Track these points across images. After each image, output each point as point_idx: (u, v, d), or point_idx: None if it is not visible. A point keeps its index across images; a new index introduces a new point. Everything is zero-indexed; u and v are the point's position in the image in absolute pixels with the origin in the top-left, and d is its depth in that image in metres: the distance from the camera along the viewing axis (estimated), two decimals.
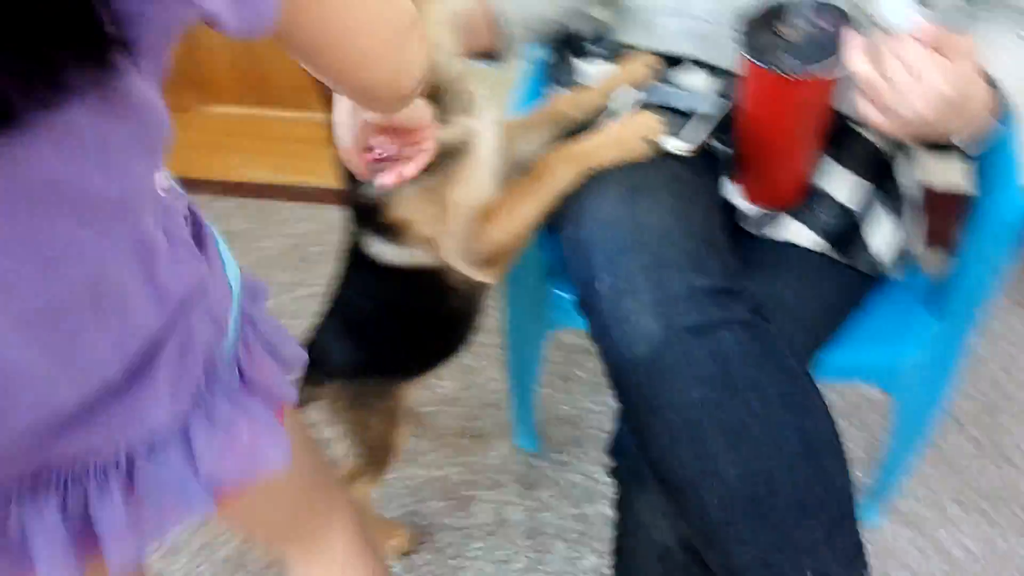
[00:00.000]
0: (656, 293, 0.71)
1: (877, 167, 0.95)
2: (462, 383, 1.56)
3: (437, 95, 0.82)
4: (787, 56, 0.78)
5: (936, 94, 0.72)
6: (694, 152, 0.85)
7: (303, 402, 1.18)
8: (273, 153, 2.01)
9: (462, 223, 0.85)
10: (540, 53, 1.14)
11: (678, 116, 0.90)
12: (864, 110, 0.77)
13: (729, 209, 0.92)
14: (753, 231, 0.92)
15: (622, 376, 0.73)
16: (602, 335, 0.73)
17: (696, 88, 0.96)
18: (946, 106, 0.73)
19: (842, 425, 0.74)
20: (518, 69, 1.17)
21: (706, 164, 0.91)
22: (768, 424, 0.71)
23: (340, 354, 1.07)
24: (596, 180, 0.81)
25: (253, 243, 1.86)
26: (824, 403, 0.75)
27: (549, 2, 1.01)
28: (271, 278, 1.76)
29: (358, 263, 0.94)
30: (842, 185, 0.93)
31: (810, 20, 0.81)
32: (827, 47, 0.78)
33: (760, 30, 0.81)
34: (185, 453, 0.53)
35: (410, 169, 0.76)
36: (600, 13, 1.12)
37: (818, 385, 0.76)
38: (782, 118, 0.83)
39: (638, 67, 0.97)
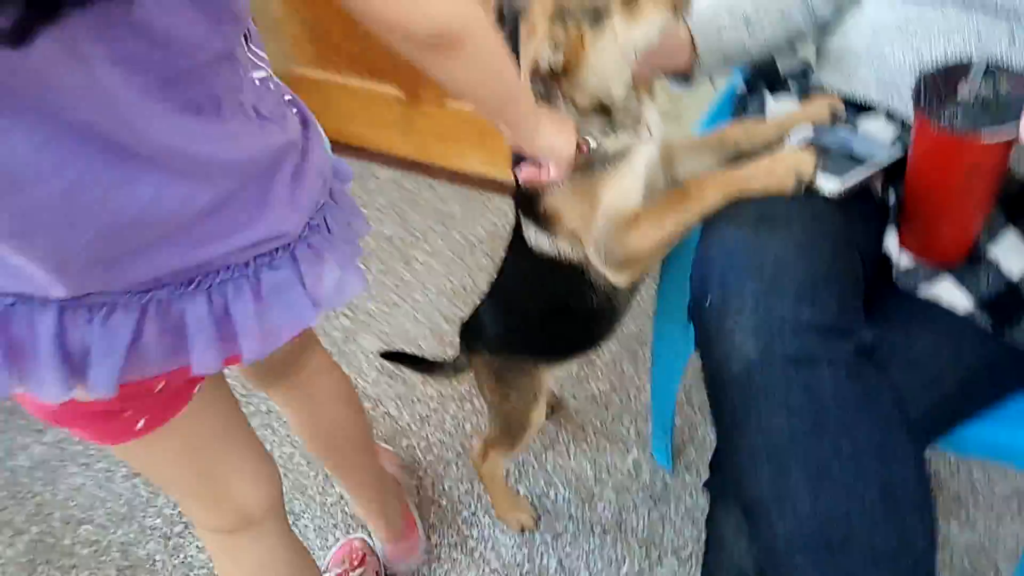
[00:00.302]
0: (760, 316, 0.74)
1: None
2: (615, 386, 1.62)
3: (607, 109, 0.90)
4: (961, 116, 0.78)
5: None
6: (843, 195, 0.86)
7: (460, 366, 1.32)
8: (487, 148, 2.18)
9: (606, 225, 0.92)
10: (737, 80, 1.18)
11: (843, 159, 0.92)
12: None
13: (884, 262, 0.91)
14: (906, 288, 0.91)
15: (718, 391, 0.77)
16: (705, 349, 0.78)
17: (875, 135, 0.96)
18: None
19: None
20: (710, 92, 1.22)
21: (864, 211, 0.91)
22: (853, 468, 0.72)
23: (491, 328, 1.19)
24: (733, 206, 0.85)
25: (466, 228, 2.03)
26: (921, 461, 0.74)
27: (750, 36, 1.05)
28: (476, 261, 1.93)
29: (518, 248, 1.04)
30: (1014, 255, 0.90)
31: (991, 83, 0.80)
32: (1004, 112, 0.77)
33: (937, 86, 0.81)
34: (295, 271, 0.70)
35: (546, 173, 0.85)
36: (806, 51, 1.15)
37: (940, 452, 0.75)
38: (948, 177, 0.82)
39: (820, 108, 0.99)
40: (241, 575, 0.96)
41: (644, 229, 0.91)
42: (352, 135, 2.20)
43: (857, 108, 1.00)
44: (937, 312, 0.89)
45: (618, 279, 0.97)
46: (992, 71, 0.80)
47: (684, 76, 1.07)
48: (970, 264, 0.90)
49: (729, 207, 0.86)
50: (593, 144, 0.89)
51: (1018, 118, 0.75)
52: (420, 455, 1.55)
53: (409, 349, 1.72)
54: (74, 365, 0.64)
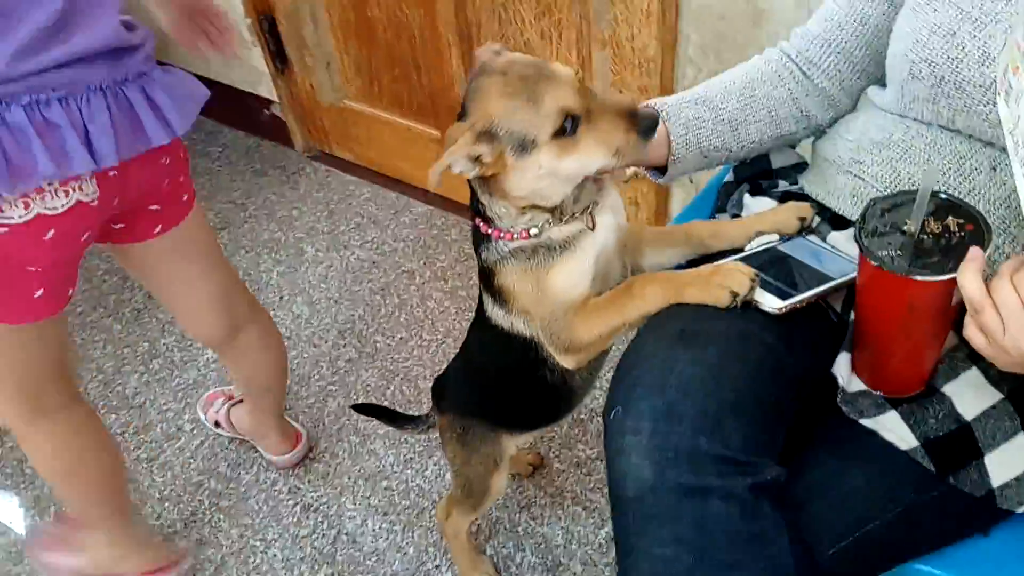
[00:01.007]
0: (657, 440, 0.71)
1: None
2: (601, 455, 1.60)
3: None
4: (899, 252, 0.74)
5: None
6: (780, 312, 0.83)
7: (431, 423, 1.33)
8: None
9: (553, 310, 0.91)
10: (726, 170, 1.15)
11: (794, 274, 0.88)
12: (969, 331, 0.70)
13: (834, 383, 0.88)
14: (850, 413, 0.87)
15: (616, 507, 0.75)
16: (608, 461, 0.76)
17: (843, 248, 0.93)
18: None
19: None
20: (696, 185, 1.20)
21: (817, 329, 0.87)
22: None
23: (455, 390, 1.19)
24: (667, 312, 0.83)
25: None
26: None
27: (735, 140, 1.03)
28: None
29: (480, 317, 1.04)
30: (968, 393, 0.84)
31: (943, 218, 0.76)
32: (947, 252, 0.73)
33: (884, 215, 0.77)
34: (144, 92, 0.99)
35: None
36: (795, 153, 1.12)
37: None
38: (887, 311, 0.78)
39: (788, 215, 0.96)
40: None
41: (589, 319, 0.90)
42: (393, 168, 2.25)
43: (833, 217, 0.97)
44: (878, 444, 0.84)
45: (566, 362, 0.96)
46: (946, 207, 0.77)
47: (662, 169, 1.05)
48: (921, 399, 0.85)
49: (663, 313, 0.84)
50: (534, 231, 0.88)
51: (959, 260, 0.71)
52: (396, 498, 1.56)
53: (407, 387, 1.74)
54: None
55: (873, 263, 0.74)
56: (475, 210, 0.93)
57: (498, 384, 1.10)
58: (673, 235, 1.00)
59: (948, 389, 0.86)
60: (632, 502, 0.73)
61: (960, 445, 0.84)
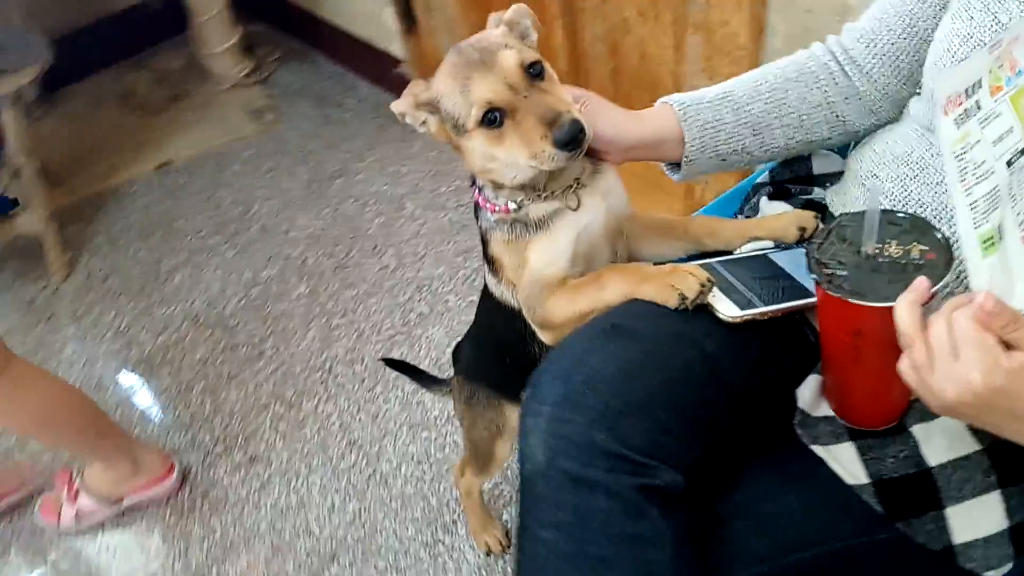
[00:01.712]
0: (554, 426, 0.71)
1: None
2: None
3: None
4: (848, 274, 0.70)
5: (965, 384, 0.60)
6: (735, 320, 0.79)
7: (451, 387, 1.37)
8: None
9: (530, 285, 0.93)
10: (763, 174, 1.10)
11: (770, 284, 0.84)
12: (902, 365, 0.66)
13: (792, 404, 0.83)
14: (803, 438, 0.82)
15: (520, 481, 0.77)
16: (519, 438, 0.77)
17: None
18: (979, 404, 0.60)
19: None
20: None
21: (770, 349, 0.83)
22: None
23: (465, 355, 1.23)
24: (612, 307, 0.82)
25: None
26: None
27: (759, 145, 0.97)
28: None
29: (485, 285, 1.07)
30: (938, 438, 0.78)
31: (907, 243, 0.70)
32: (901, 278, 0.68)
33: (847, 236, 0.73)
34: None
35: None
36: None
37: None
38: (835, 335, 0.74)
39: (789, 224, 0.91)
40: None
41: (560, 300, 0.91)
42: None
43: None
44: (825, 475, 0.80)
45: (544, 337, 0.97)
46: (919, 230, 0.71)
47: (677, 164, 1.01)
48: (885, 435, 0.80)
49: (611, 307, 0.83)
50: (512, 206, 0.89)
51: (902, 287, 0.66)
52: (432, 450, 1.63)
53: None
54: None
55: (817, 282, 0.70)
56: (472, 180, 0.96)
57: (495, 352, 1.13)
58: (673, 228, 0.97)
59: (917, 430, 0.79)
60: (527, 481, 0.74)
61: (917, 491, 0.78)
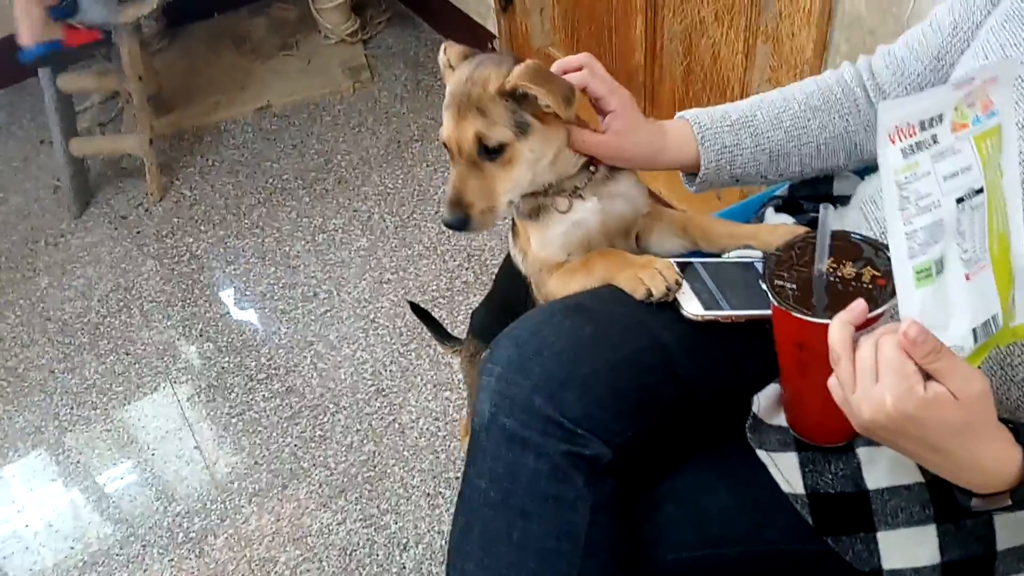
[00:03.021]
0: (501, 385, 0.76)
1: None
2: None
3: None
4: (794, 288, 0.72)
5: (879, 406, 0.62)
6: (696, 319, 0.82)
7: (458, 343, 1.44)
8: None
9: (533, 263, 0.98)
10: (781, 188, 1.11)
11: (743, 291, 0.87)
12: (830, 381, 0.68)
13: (745, 408, 0.86)
14: (751, 441, 0.85)
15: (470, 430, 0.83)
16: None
17: None
18: (892, 427, 0.62)
19: None
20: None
21: (732, 351, 0.86)
22: (513, 557, 0.74)
23: (478, 313, 1.30)
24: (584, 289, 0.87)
25: None
26: None
27: (775, 170, 0.98)
28: None
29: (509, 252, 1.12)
30: (883, 463, 0.79)
31: (861, 266, 0.72)
32: (847, 299, 0.70)
33: (803, 251, 0.75)
34: None
35: None
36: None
37: None
38: (782, 346, 0.76)
39: (780, 237, 0.92)
40: None
41: (558, 280, 0.96)
42: None
43: None
44: (764, 478, 0.83)
45: None
46: (882, 257, 0.73)
47: (694, 176, 1.03)
48: (830, 451, 0.82)
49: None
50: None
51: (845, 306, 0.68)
52: (451, 410, 1.71)
53: None
54: None
55: (767, 292, 0.73)
56: None
57: (502, 314, 1.17)
58: (674, 223, 1.00)
59: (863, 452, 0.81)
60: (474, 433, 0.80)
61: (851, 510, 0.80)
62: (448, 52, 0.91)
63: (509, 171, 0.86)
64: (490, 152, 0.85)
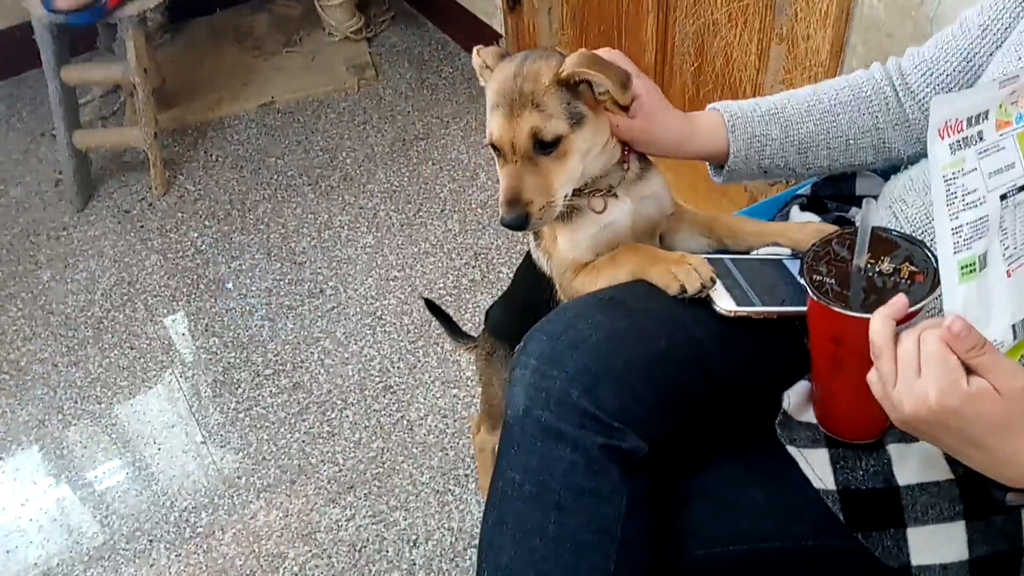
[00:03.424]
0: (536, 378, 0.77)
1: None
2: None
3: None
4: (832, 283, 0.73)
5: (921, 399, 0.62)
6: (729, 314, 0.82)
7: (472, 340, 1.44)
8: None
9: (559, 264, 0.98)
10: (805, 187, 1.12)
11: (775, 288, 0.87)
12: (870, 375, 0.68)
13: (775, 405, 0.86)
14: (781, 438, 0.85)
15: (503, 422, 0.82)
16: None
17: None
18: (933, 420, 0.63)
19: None
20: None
21: (763, 348, 0.86)
22: (548, 552, 0.74)
23: (495, 312, 1.30)
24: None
25: None
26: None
27: (802, 164, 0.99)
28: None
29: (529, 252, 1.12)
30: (913, 459, 0.80)
31: (899, 262, 0.73)
32: (886, 294, 0.70)
33: (842, 246, 0.76)
34: None
35: None
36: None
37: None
38: (817, 341, 0.77)
39: (809, 236, 0.93)
40: None
41: (584, 278, 0.95)
42: None
43: None
44: (795, 475, 0.83)
45: None
46: (917, 254, 0.73)
47: (721, 167, 1.02)
48: (861, 448, 0.82)
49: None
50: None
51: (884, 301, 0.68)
52: (459, 407, 1.71)
53: None
54: None
55: (805, 286, 0.73)
56: None
57: (522, 314, 1.17)
58: (700, 223, 1.00)
59: (893, 449, 0.82)
60: (507, 426, 0.80)
61: (882, 506, 0.81)
62: (482, 54, 0.91)
63: (564, 164, 0.85)
64: (545, 146, 0.84)
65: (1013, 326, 0.67)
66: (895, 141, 0.98)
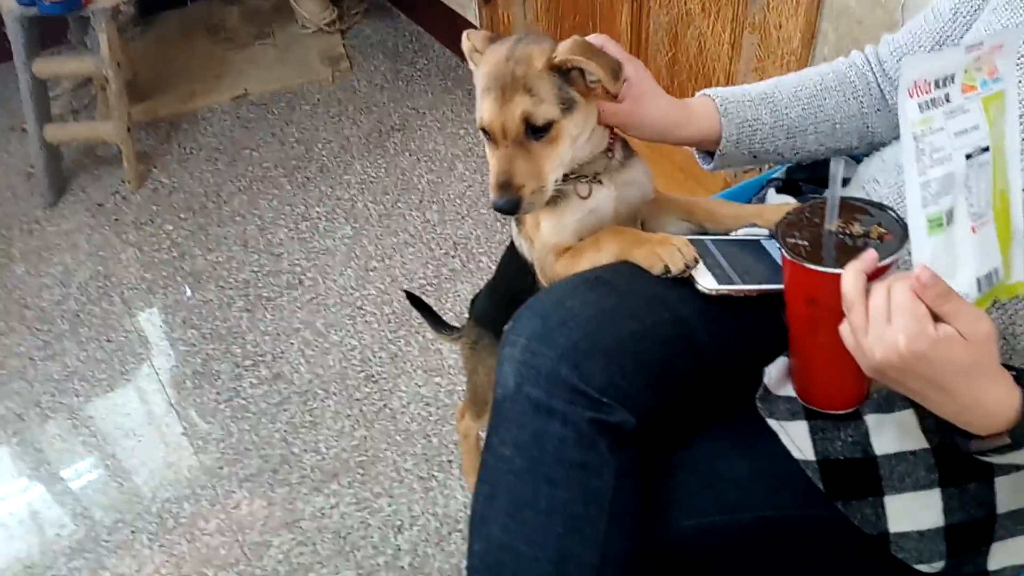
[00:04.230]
0: (527, 356, 0.78)
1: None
2: None
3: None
4: (806, 243, 0.75)
5: (891, 346, 0.65)
6: (711, 293, 0.85)
7: (455, 332, 1.46)
8: None
9: (541, 248, 0.99)
10: (779, 171, 1.15)
11: (754, 267, 0.90)
12: (842, 328, 0.71)
13: (756, 380, 0.89)
14: (762, 411, 0.88)
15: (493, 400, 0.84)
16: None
17: None
18: (902, 366, 0.65)
19: None
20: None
21: (745, 325, 0.89)
22: (540, 523, 0.76)
23: (480, 300, 1.31)
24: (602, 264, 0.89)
25: None
26: (616, 549, 0.76)
27: (791, 148, 1.01)
28: None
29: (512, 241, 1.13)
30: (891, 430, 0.83)
31: (868, 225, 0.75)
32: (855, 250, 0.73)
33: (812, 214, 0.78)
34: None
35: None
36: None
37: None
38: (792, 304, 0.79)
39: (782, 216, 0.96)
40: None
41: (566, 262, 0.97)
42: None
43: None
44: (776, 447, 0.86)
45: None
46: (888, 218, 0.76)
47: (710, 154, 1.04)
48: (839, 419, 0.85)
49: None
50: None
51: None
52: (442, 395, 1.72)
53: None
54: None
55: (780, 247, 0.76)
56: None
57: (506, 302, 1.19)
58: (680, 208, 1.03)
59: (871, 419, 0.84)
60: (497, 403, 0.82)
61: (860, 475, 0.83)
62: (472, 38, 0.92)
63: (555, 149, 0.86)
64: (536, 131, 0.84)
65: (978, 279, 0.70)
66: (878, 126, 1.01)
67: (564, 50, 0.84)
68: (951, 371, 0.65)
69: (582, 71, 0.86)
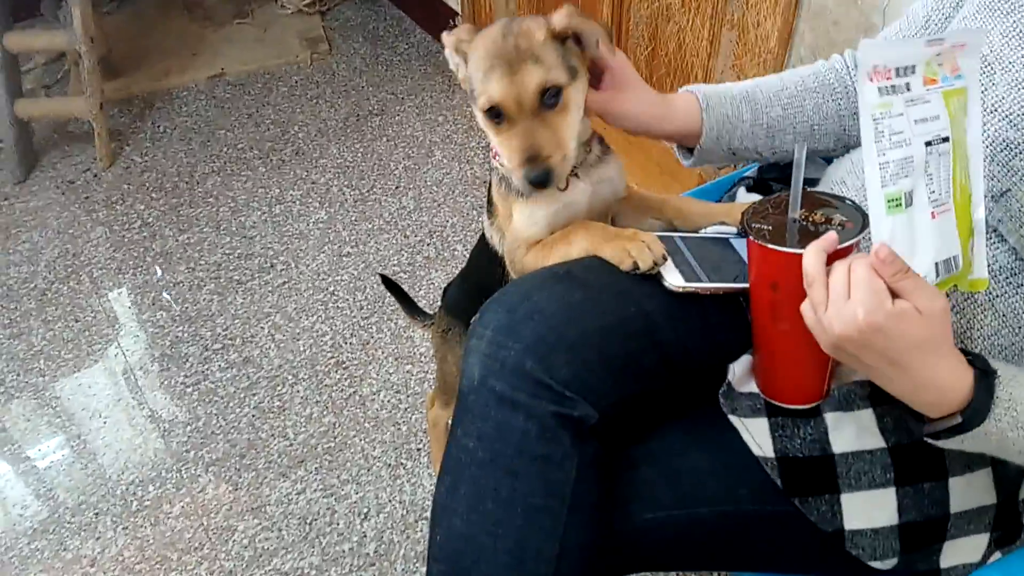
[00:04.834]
0: (492, 349, 0.79)
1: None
2: None
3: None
4: (770, 228, 0.76)
5: (850, 320, 0.67)
6: (677, 290, 0.85)
7: (428, 318, 1.45)
8: None
9: (512, 240, 1.00)
10: (751, 170, 1.16)
11: (721, 265, 0.90)
12: (803, 305, 0.72)
13: (720, 377, 0.90)
14: (724, 407, 0.89)
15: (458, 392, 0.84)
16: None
17: None
18: (860, 340, 0.67)
19: None
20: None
21: (711, 322, 0.90)
22: (500, 514, 0.76)
23: (452, 289, 1.31)
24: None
25: None
26: (575, 540, 0.77)
27: (770, 147, 1.02)
28: None
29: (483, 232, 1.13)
30: (849, 428, 0.84)
31: (830, 214, 0.77)
32: (817, 235, 0.74)
33: (776, 204, 0.79)
34: None
35: None
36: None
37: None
38: (757, 290, 0.79)
39: None
40: None
41: (536, 255, 0.97)
42: None
43: None
44: (736, 442, 0.87)
45: None
46: (849, 207, 0.77)
47: (690, 151, 1.04)
48: (799, 416, 0.86)
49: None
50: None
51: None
52: (412, 383, 1.72)
53: None
54: None
55: (744, 231, 0.77)
56: None
57: (476, 292, 1.19)
58: (651, 206, 1.03)
59: (830, 417, 0.85)
60: (462, 395, 0.82)
61: (817, 473, 0.85)
62: (455, 32, 0.91)
63: (568, 117, 0.86)
64: (548, 101, 0.84)
65: (936, 264, 0.72)
66: (855, 129, 1.02)
67: (564, 16, 0.85)
68: (906, 345, 0.67)
69: (578, 39, 0.86)
